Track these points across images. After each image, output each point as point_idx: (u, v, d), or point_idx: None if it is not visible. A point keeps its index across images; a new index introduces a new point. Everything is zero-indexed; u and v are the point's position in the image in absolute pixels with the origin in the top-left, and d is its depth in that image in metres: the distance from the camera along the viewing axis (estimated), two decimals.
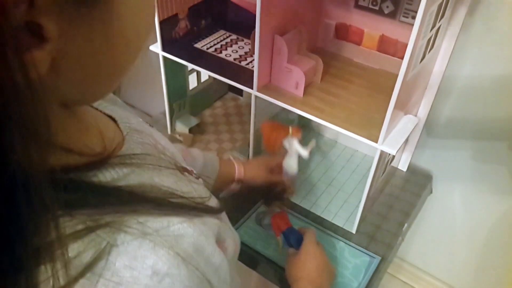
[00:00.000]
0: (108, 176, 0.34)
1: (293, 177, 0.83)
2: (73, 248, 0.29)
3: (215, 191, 0.76)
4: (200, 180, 0.50)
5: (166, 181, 0.39)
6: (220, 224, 0.42)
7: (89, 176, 0.33)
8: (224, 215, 0.53)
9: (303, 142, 0.80)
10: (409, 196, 0.94)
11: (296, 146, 0.79)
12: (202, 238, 0.36)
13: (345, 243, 0.84)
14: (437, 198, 1.05)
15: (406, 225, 0.87)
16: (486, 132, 0.91)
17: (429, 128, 0.97)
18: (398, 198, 0.94)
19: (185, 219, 0.35)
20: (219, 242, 0.41)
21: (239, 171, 0.79)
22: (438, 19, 0.67)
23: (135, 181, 0.36)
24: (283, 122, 1.00)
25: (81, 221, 0.30)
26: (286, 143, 0.81)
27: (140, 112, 1.83)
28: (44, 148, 0.26)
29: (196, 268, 0.34)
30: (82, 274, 0.29)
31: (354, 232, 0.86)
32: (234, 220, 0.87)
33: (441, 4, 0.64)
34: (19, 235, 0.26)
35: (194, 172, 0.49)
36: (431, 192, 1.03)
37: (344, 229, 0.86)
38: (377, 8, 0.82)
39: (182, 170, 0.45)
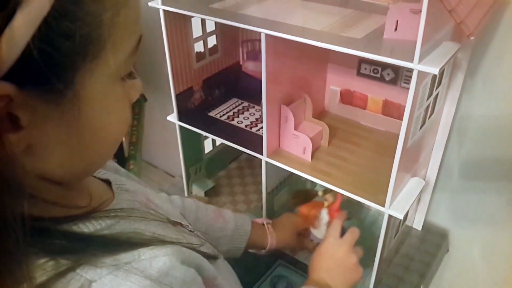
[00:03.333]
0: (91, 227, 0.38)
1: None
2: (58, 287, 0.33)
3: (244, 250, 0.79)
4: (196, 233, 0.53)
5: (152, 229, 0.43)
6: (204, 260, 0.45)
7: (72, 227, 0.37)
8: (224, 264, 0.55)
9: None
10: (425, 256, 0.93)
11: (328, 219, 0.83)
12: (174, 258, 0.39)
13: None
14: (456, 255, 1.03)
15: (422, 287, 0.86)
16: (499, 185, 0.91)
17: (441, 185, 0.97)
18: (414, 259, 0.93)
19: (155, 247, 0.39)
20: (206, 278, 0.44)
21: (271, 242, 0.81)
22: (435, 87, 0.71)
23: (118, 230, 0.40)
24: (297, 183, 1.03)
25: (64, 263, 0.34)
26: (321, 215, 0.84)
27: (162, 172, 1.90)
28: (17, 198, 0.30)
29: (170, 286, 0.37)
30: None
31: None
32: (248, 284, 0.87)
33: (435, 75, 0.67)
34: None
35: (189, 226, 0.53)
36: (447, 250, 1.01)
37: None
38: (378, 75, 0.87)
39: (175, 224, 0.48)
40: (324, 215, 0.84)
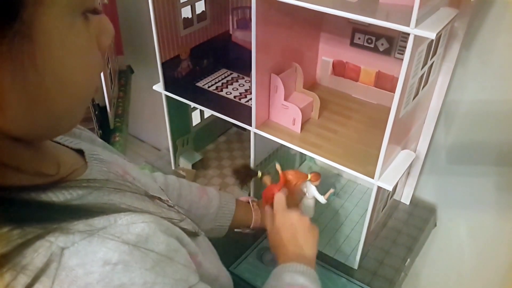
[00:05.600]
0: (61, 197, 0.35)
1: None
2: (26, 256, 0.30)
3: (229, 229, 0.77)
4: (177, 208, 0.50)
5: (127, 201, 0.40)
6: (184, 235, 0.43)
7: (41, 196, 0.34)
8: (205, 241, 0.53)
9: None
10: (412, 230, 0.93)
11: (314, 192, 0.81)
12: (153, 225, 0.36)
13: (347, 279, 0.82)
14: (443, 230, 1.03)
15: (408, 260, 0.86)
16: (489, 160, 0.90)
17: (431, 161, 0.97)
18: (401, 232, 0.93)
19: (132, 213, 0.36)
20: (188, 252, 0.42)
21: (255, 220, 0.79)
22: (430, 56, 0.69)
23: (90, 201, 0.37)
24: (286, 156, 1.01)
25: (31, 231, 0.31)
26: (304, 188, 0.82)
27: (149, 146, 1.87)
28: None
29: (151, 250, 0.34)
30: (36, 278, 0.30)
31: (356, 268, 0.85)
32: (235, 256, 0.87)
33: (431, 42, 0.65)
34: None
35: (169, 201, 0.50)
36: (435, 225, 1.01)
37: (346, 265, 0.85)
38: (372, 45, 0.84)
39: (153, 198, 0.46)
40: (311, 188, 0.81)
